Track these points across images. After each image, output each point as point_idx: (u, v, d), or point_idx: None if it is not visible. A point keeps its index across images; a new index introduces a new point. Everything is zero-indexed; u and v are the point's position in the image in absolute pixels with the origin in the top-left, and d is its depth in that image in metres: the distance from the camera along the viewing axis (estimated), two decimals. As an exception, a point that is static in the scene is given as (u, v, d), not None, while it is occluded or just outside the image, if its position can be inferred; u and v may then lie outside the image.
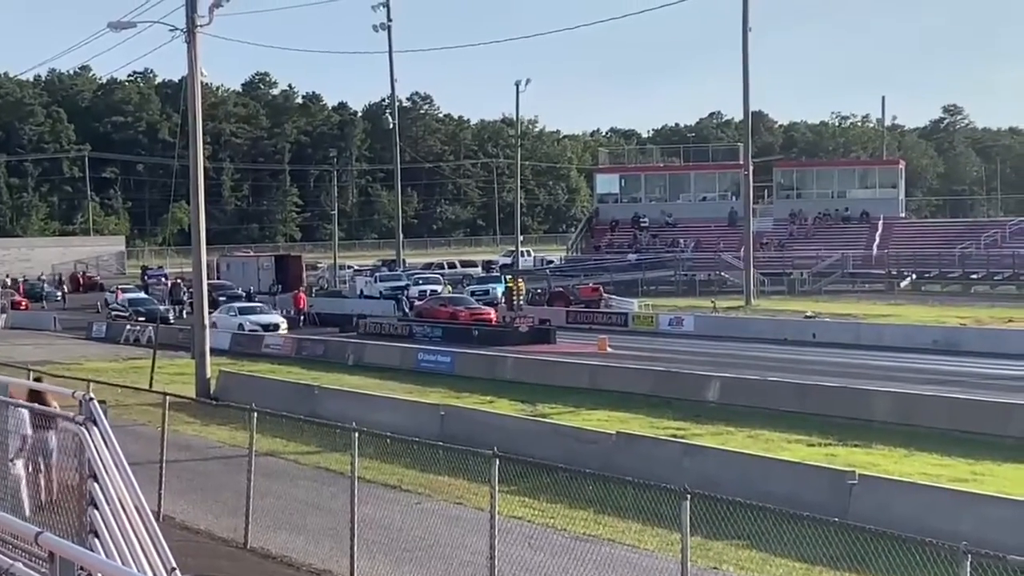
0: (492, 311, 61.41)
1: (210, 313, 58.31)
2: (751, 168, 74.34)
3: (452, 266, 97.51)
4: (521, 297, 67.35)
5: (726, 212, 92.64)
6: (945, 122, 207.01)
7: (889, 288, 79.20)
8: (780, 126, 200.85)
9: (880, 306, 66.32)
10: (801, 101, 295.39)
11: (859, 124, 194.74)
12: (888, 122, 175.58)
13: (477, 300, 70.90)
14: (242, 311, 60.00)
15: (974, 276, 79.82)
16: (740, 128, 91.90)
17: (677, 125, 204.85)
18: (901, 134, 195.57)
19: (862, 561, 13.04)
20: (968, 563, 9.71)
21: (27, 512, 12.93)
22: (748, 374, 36.32)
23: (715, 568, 15.91)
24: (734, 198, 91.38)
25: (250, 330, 55.87)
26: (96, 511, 11.38)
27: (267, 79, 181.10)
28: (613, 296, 70.26)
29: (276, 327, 57.16)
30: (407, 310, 65.33)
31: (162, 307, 66.19)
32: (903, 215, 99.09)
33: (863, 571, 13.58)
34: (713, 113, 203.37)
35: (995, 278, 78.47)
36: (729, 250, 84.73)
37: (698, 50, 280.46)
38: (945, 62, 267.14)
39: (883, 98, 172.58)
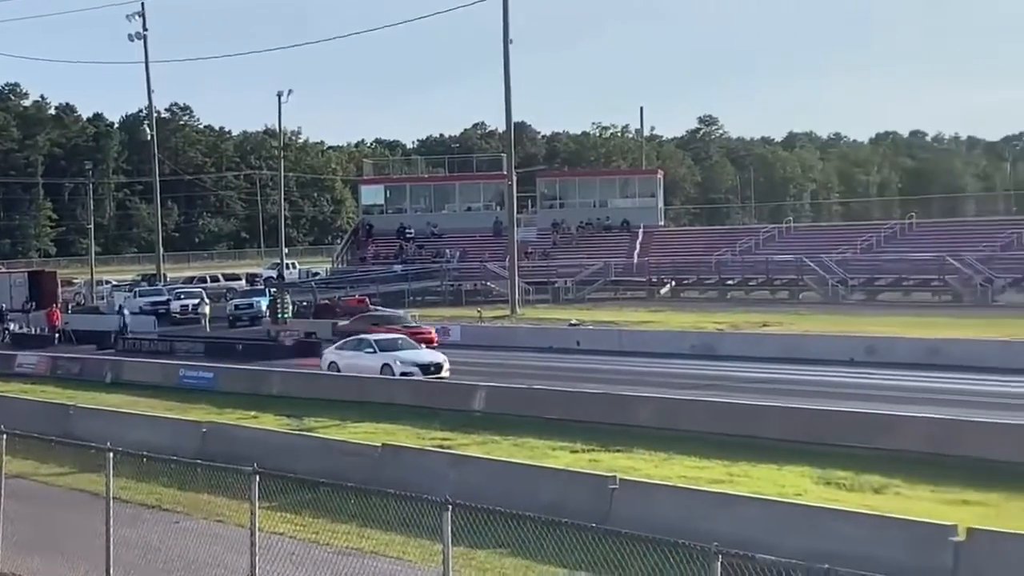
0: (432, 330, 53.94)
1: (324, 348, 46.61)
2: (515, 178, 75.10)
3: (215, 280, 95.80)
4: (287, 310, 66.77)
5: (491, 222, 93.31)
6: (701, 132, 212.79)
7: (650, 295, 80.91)
8: (543, 136, 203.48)
9: (642, 312, 67.68)
10: (563, 112, 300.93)
11: (619, 134, 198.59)
12: (647, 132, 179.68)
13: (240, 313, 70.00)
14: (384, 346, 43.45)
15: (730, 282, 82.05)
16: (504, 139, 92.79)
17: (441, 136, 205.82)
18: (659, 144, 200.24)
19: (622, 565, 13.20)
20: (719, 563, 9.93)
21: None
22: (514, 383, 36.56)
23: (479, 577, 15.97)
24: (498, 208, 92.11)
25: (402, 373, 41.00)
26: None
27: (17, 90, 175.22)
28: (380, 307, 70.10)
29: (439, 368, 42.05)
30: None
31: None
32: (662, 223, 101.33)
33: (623, 575, 13.76)
34: (477, 124, 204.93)
35: (750, 284, 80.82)
36: (494, 260, 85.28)
37: (461, 61, 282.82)
38: (700, 73, 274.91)
39: (641, 109, 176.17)
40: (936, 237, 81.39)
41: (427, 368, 41.60)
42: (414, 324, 54.50)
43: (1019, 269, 71.36)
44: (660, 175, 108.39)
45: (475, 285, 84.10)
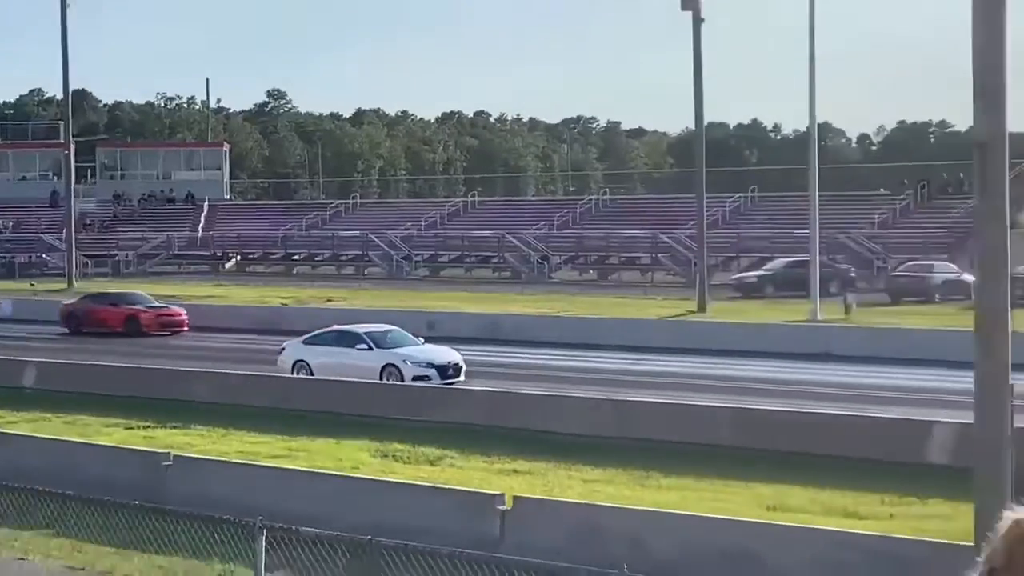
0: (183, 312, 46.90)
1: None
2: (72, 147, 72.71)
3: None
4: None
5: (47, 192, 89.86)
6: (270, 106, 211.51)
7: (214, 269, 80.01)
8: (105, 105, 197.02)
9: (206, 287, 66.79)
10: (127, 80, 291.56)
11: (185, 106, 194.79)
12: (214, 104, 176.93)
13: None
14: (379, 341, 32.94)
15: (296, 257, 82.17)
16: (62, 106, 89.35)
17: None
18: (227, 117, 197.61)
19: (172, 541, 12.99)
20: (264, 536, 9.89)
21: None
22: (71, 359, 35.46)
23: (21, 559, 15.32)
24: (56, 178, 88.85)
25: (414, 377, 31.20)
26: None
27: None
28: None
29: (458, 370, 32.27)
30: None
31: None
32: (228, 197, 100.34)
33: (174, 551, 13.55)
34: (34, 90, 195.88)
35: (316, 259, 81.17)
36: (51, 231, 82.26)
37: (15, 22, 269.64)
38: (269, 47, 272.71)
39: (207, 80, 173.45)
40: (497, 215, 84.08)
41: (445, 370, 31.89)
42: (158, 305, 47.96)
43: (573, 247, 74.78)
44: (226, 148, 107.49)
45: (30, 258, 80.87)
